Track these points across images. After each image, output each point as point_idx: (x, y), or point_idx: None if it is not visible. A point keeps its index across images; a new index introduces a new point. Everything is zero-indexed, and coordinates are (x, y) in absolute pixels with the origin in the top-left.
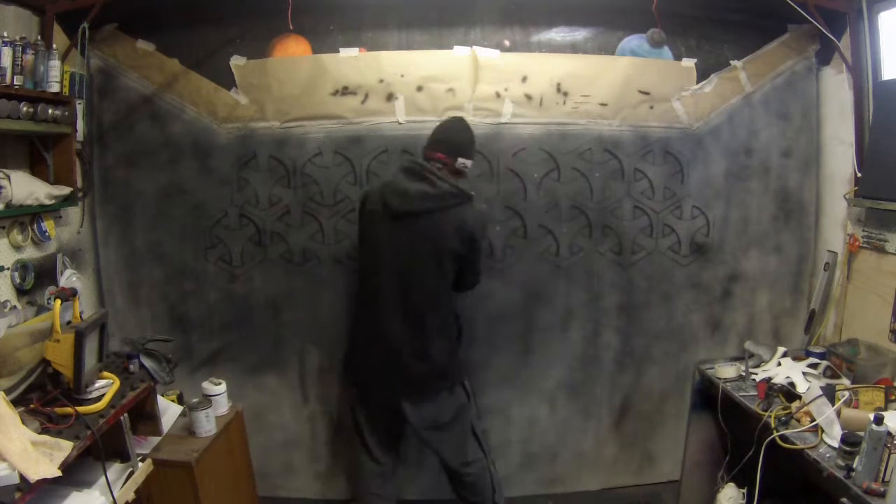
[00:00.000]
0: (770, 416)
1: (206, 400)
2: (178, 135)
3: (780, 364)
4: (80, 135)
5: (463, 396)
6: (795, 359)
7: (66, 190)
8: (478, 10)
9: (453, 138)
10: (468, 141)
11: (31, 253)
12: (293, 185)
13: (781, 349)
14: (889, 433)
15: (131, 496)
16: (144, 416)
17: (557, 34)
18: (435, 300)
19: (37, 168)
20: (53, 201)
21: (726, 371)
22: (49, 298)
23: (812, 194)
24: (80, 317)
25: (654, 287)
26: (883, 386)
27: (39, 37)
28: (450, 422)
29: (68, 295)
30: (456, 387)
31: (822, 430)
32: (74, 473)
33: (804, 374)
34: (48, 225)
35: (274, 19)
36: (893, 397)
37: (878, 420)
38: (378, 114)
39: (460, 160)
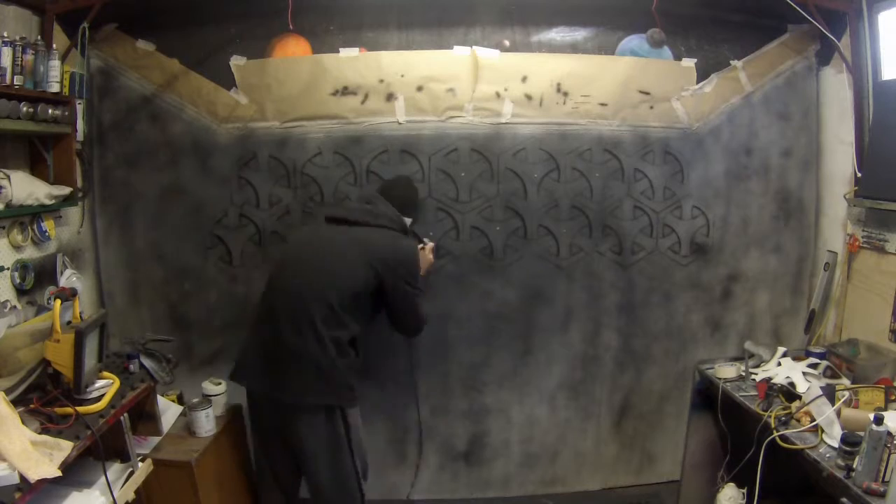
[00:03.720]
0: (770, 416)
1: (206, 400)
2: (178, 135)
3: (780, 364)
4: (80, 135)
5: (339, 428)
6: (795, 359)
7: (66, 190)
8: (478, 10)
9: (398, 192)
10: (413, 198)
11: (31, 253)
12: (293, 185)
13: (781, 349)
14: (889, 433)
15: (131, 496)
16: (144, 416)
17: (557, 34)
18: (321, 297)
19: (37, 168)
20: (53, 201)
21: (726, 371)
22: (49, 298)
23: (812, 194)
24: (80, 317)
25: (654, 287)
26: (883, 386)
27: (39, 37)
28: (315, 447)
29: (68, 295)
30: (335, 411)
31: (822, 430)
32: (74, 473)
33: (804, 374)
34: (48, 225)
35: (274, 19)
36: (893, 397)
37: (878, 420)
38: (378, 114)
39: (406, 219)
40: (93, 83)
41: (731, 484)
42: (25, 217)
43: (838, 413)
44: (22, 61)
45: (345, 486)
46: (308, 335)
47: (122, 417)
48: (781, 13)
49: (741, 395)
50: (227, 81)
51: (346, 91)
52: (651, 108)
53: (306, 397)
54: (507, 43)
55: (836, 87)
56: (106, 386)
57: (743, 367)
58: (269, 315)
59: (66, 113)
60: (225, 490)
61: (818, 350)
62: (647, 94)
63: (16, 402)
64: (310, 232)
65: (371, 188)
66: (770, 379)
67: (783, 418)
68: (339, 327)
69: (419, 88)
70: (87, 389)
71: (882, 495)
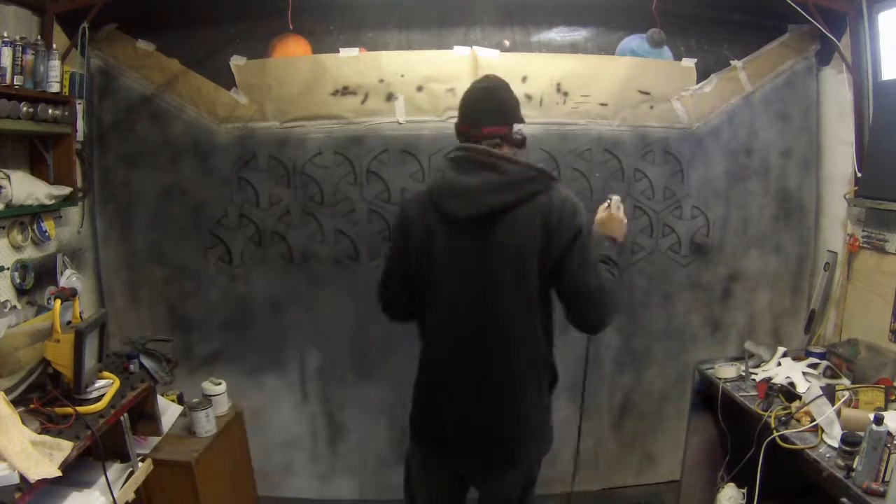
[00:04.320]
0: (770, 416)
1: (206, 400)
2: (178, 135)
3: (780, 364)
4: (80, 135)
5: (535, 471)
6: (795, 359)
7: (66, 190)
8: (478, 10)
9: (499, 100)
10: (515, 100)
11: (31, 253)
12: (293, 185)
13: (781, 349)
14: (889, 433)
15: (131, 496)
16: (144, 416)
17: (557, 34)
18: (523, 334)
19: (37, 168)
20: (53, 201)
21: (726, 371)
22: (49, 298)
23: (812, 194)
24: (80, 317)
25: (655, 287)
26: (883, 386)
27: (39, 37)
28: (527, 489)
29: (68, 295)
30: (535, 463)
31: (822, 430)
32: (74, 473)
33: (804, 374)
34: (48, 225)
35: (274, 19)
36: (893, 397)
37: (878, 420)
38: (378, 114)
39: (516, 126)
40: (93, 83)
41: (731, 484)
42: (25, 217)
43: (838, 413)
44: (22, 61)
45: None
46: (518, 408)
47: (122, 417)
48: (781, 13)
49: (741, 395)
50: (227, 81)
51: (346, 91)
52: (651, 108)
53: (509, 464)
54: (507, 43)
55: (836, 87)
56: (106, 386)
57: (743, 367)
58: (458, 396)
59: (66, 113)
60: (225, 490)
61: (818, 350)
62: (647, 94)
63: (16, 402)
64: (446, 257)
65: (468, 111)
66: (770, 379)
67: (783, 418)
68: (537, 362)
69: (419, 88)
70: (87, 389)
71: (882, 495)
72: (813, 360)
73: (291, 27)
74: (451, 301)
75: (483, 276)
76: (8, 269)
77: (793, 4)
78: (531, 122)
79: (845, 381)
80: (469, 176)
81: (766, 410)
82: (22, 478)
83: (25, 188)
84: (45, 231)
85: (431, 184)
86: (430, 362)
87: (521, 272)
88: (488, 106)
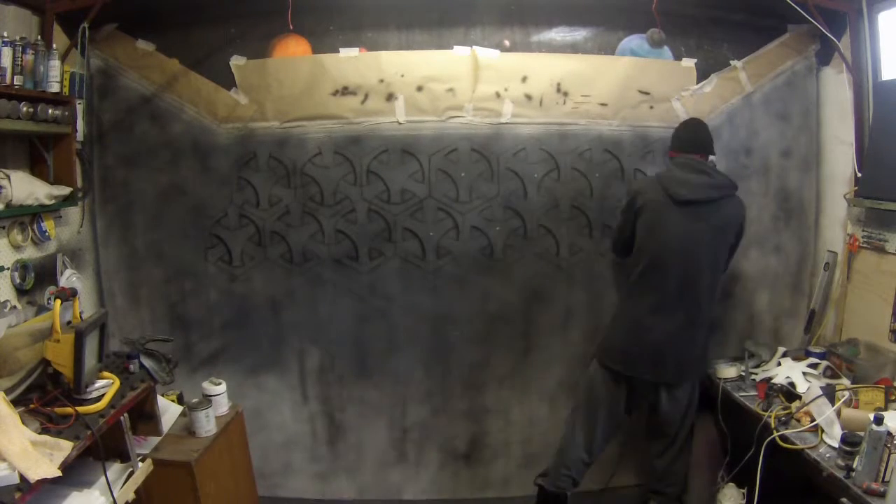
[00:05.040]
0: (770, 416)
1: (206, 400)
2: (178, 135)
3: (780, 364)
4: (80, 135)
5: (699, 388)
6: (795, 359)
7: (66, 190)
8: (478, 10)
9: (702, 139)
10: (711, 140)
11: (31, 253)
12: (293, 185)
13: (781, 349)
14: (889, 433)
15: (131, 496)
16: (144, 416)
17: (557, 34)
18: (711, 288)
19: (37, 168)
20: (53, 201)
21: (726, 371)
22: (49, 298)
23: (812, 194)
24: (80, 317)
25: None
26: (883, 386)
27: (39, 37)
28: (686, 412)
29: (68, 295)
30: (702, 376)
31: (822, 430)
32: (74, 473)
33: (804, 374)
34: (48, 225)
35: (274, 19)
36: (893, 397)
37: (878, 420)
38: (378, 114)
39: (711, 157)
40: (93, 83)
41: (731, 484)
42: (25, 217)
43: (838, 413)
44: (22, 61)
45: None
46: (698, 338)
47: (122, 417)
48: (781, 13)
49: (741, 395)
50: (227, 81)
51: (346, 91)
52: (651, 108)
53: (692, 376)
54: (507, 43)
55: (836, 87)
56: (106, 386)
57: (743, 367)
58: (663, 312)
59: (66, 113)
60: (225, 490)
61: (818, 350)
62: (647, 94)
63: (16, 402)
64: (673, 222)
65: (684, 141)
66: (770, 379)
67: (783, 418)
68: (713, 309)
69: (419, 88)
70: (87, 389)
71: (882, 495)
72: (813, 360)
73: (291, 27)
74: (668, 256)
75: (693, 242)
76: (8, 269)
77: (793, 4)
78: (531, 122)
79: (845, 381)
80: (691, 175)
81: (766, 410)
82: (22, 478)
83: (25, 188)
84: (45, 231)
85: (660, 174)
86: (637, 288)
87: (717, 243)
88: (693, 140)
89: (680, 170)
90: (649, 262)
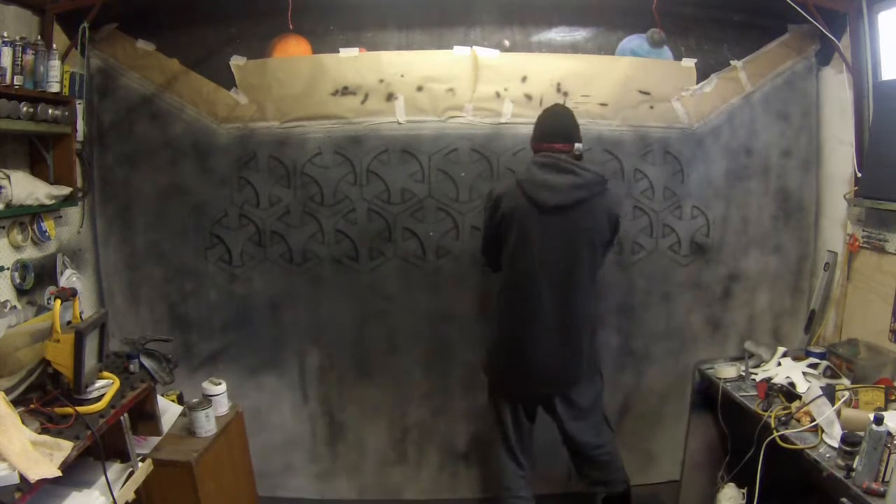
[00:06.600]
0: (770, 416)
1: (206, 400)
2: (178, 135)
3: (780, 364)
4: (80, 135)
5: (600, 383)
6: (795, 359)
7: (66, 190)
8: (478, 10)
9: (565, 124)
10: (577, 124)
11: (31, 253)
12: (293, 185)
13: (781, 349)
14: (889, 433)
15: (131, 496)
16: (144, 416)
17: (557, 34)
18: (586, 292)
19: (37, 168)
20: (53, 201)
21: (726, 371)
22: (49, 298)
23: (812, 194)
24: (80, 317)
25: (654, 287)
26: (883, 386)
27: (39, 37)
28: (590, 408)
29: (68, 295)
30: (595, 375)
31: (822, 430)
32: (74, 473)
33: (804, 374)
34: (48, 225)
35: (274, 19)
36: (893, 397)
37: (878, 420)
38: (378, 114)
39: (577, 145)
40: (93, 83)
41: (731, 484)
42: (25, 217)
43: (838, 413)
44: (22, 61)
45: (606, 425)
46: (581, 342)
47: (122, 417)
48: (781, 13)
49: (741, 395)
50: (227, 81)
51: (346, 91)
52: (651, 108)
53: (584, 380)
54: (507, 43)
55: (836, 87)
56: (106, 386)
57: (743, 367)
58: (541, 329)
59: (66, 113)
60: (225, 490)
61: (818, 350)
62: (647, 94)
63: (16, 402)
64: (538, 232)
65: (546, 132)
66: (770, 379)
67: (783, 418)
68: (592, 309)
69: (419, 88)
70: (87, 389)
71: (882, 495)
72: (813, 360)
73: (291, 27)
74: (536, 266)
75: (563, 249)
76: (8, 269)
77: (793, 4)
78: (531, 122)
79: (845, 381)
80: (554, 176)
81: (766, 410)
82: (22, 478)
83: (25, 188)
84: (45, 231)
85: (519, 176)
86: (511, 303)
87: (591, 245)
88: (554, 129)
89: (541, 170)
90: (520, 275)
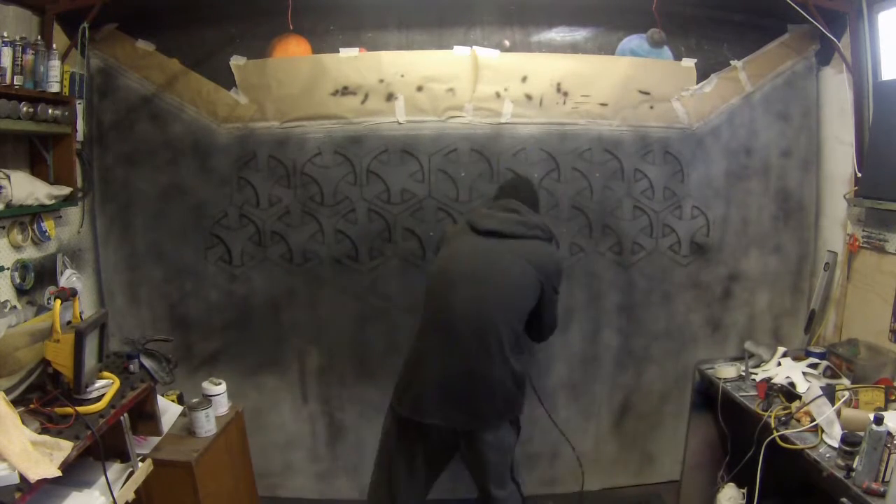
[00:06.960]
0: (770, 416)
1: (206, 400)
2: (178, 135)
3: (780, 364)
4: (80, 135)
5: (513, 435)
6: (795, 359)
7: (66, 190)
8: (478, 10)
9: (523, 190)
10: (534, 195)
11: (31, 253)
12: (293, 185)
13: (781, 349)
14: (889, 433)
15: (131, 496)
16: (144, 416)
17: (557, 34)
18: (509, 322)
19: (37, 168)
20: (53, 201)
21: (726, 371)
22: (49, 298)
23: (812, 194)
24: (80, 317)
25: (654, 287)
26: (883, 386)
27: (39, 37)
28: (496, 457)
29: (68, 295)
30: (511, 423)
31: (822, 430)
32: (74, 473)
33: (804, 374)
34: (48, 225)
35: (274, 19)
36: (893, 397)
37: (878, 420)
38: (378, 114)
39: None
40: (93, 83)
41: (731, 484)
42: (25, 217)
43: (838, 413)
44: (22, 61)
45: (512, 481)
46: (497, 360)
47: (122, 417)
48: (781, 13)
49: (741, 395)
50: (227, 81)
51: (346, 91)
52: (651, 108)
53: (493, 420)
54: (507, 43)
55: (836, 87)
56: (106, 386)
57: (743, 367)
58: (447, 341)
59: (66, 113)
60: (225, 490)
61: (818, 350)
62: (647, 94)
63: (16, 402)
64: (468, 247)
65: (502, 188)
66: (770, 379)
67: (783, 418)
68: (518, 348)
69: (419, 88)
70: (87, 389)
71: (882, 495)
72: (813, 360)
73: (291, 27)
74: (457, 283)
75: (487, 267)
76: (8, 269)
77: (793, 4)
78: (531, 122)
79: (845, 381)
80: (499, 212)
81: (766, 410)
82: (22, 478)
83: (25, 188)
84: (45, 231)
85: (468, 217)
86: (428, 325)
87: (521, 273)
88: (515, 193)
89: (488, 208)
90: (438, 289)
